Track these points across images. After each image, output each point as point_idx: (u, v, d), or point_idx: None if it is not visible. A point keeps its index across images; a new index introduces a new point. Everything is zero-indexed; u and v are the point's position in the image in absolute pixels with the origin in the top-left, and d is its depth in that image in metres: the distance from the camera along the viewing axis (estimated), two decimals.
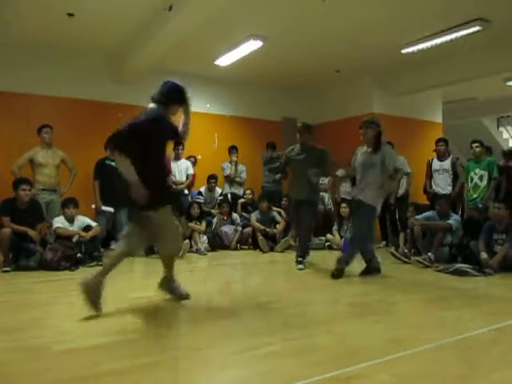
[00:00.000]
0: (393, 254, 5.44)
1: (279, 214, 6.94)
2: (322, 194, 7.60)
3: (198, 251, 6.14)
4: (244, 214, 7.05)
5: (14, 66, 6.47)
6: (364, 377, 1.96)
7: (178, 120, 3.48)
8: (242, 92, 8.54)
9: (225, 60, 7.02)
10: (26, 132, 6.06)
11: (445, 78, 7.40)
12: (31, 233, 4.90)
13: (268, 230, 6.60)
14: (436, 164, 6.37)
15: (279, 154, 7.35)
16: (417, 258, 5.18)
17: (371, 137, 4.38)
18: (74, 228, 5.23)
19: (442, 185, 6.25)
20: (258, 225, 6.61)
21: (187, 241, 5.97)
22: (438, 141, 6.47)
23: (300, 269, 4.86)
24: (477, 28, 5.64)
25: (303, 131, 5.07)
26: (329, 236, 6.89)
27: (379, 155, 4.34)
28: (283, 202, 7.20)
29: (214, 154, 8.09)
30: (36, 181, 5.48)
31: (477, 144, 5.96)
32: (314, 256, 6.02)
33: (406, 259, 5.32)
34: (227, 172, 7.27)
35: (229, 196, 7.22)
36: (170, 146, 6.90)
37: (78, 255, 4.96)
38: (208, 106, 8.28)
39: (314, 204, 5.24)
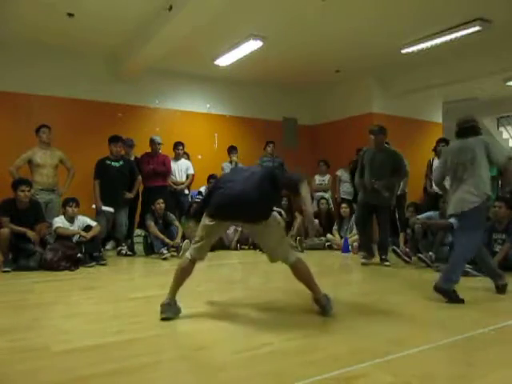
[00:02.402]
0: (394, 251, 5.44)
1: (279, 214, 6.93)
2: (322, 193, 7.64)
3: None
4: None
5: (14, 65, 6.47)
6: (364, 377, 1.95)
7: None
8: (242, 92, 8.54)
9: (225, 60, 7.02)
10: (25, 132, 6.06)
11: (445, 77, 7.39)
12: (30, 234, 4.89)
13: None
14: (436, 164, 6.37)
15: (277, 159, 7.36)
16: (419, 255, 5.18)
17: None
18: (75, 228, 5.23)
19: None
20: None
21: (187, 241, 5.97)
22: (440, 141, 6.47)
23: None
24: (477, 28, 5.63)
25: (378, 133, 5.25)
26: (329, 236, 6.90)
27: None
28: (283, 202, 7.20)
29: (214, 154, 8.09)
30: (34, 181, 5.47)
31: None
32: (314, 256, 6.02)
33: (407, 258, 5.32)
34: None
35: None
36: (169, 146, 6.96)
37: (79, 255, 4.96)
38: (208, 106, 8.28)
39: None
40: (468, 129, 3.61)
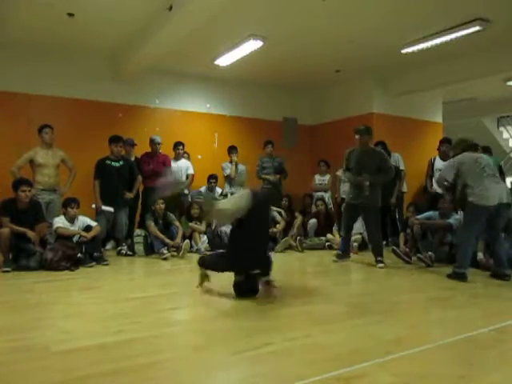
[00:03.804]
0: (394, 251, 5.42)
1: (279, 213, 6.94)
2: (322, 193, 7.63)
3: (198, 251, 6.13)
4: None
5: (14, 65, 6.47)
6: (364, 377, 1.95)
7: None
8: (242, 92, 8.54)
9: (225, 60, 7.02)
10: (26, 132, 6.06)
11: (445, 77, 7.39)
12: (29, 234, 4.89)
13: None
14: (439, 164, 6.35)
15: (277, 160, 7.38)
16: (418, 255, 5.17)
17: None
18: (75, 228, 5.23)
19: None
20: None
21: (187, 241, 5.97)
22: (443, 142, 6.46)
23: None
24: (477, 28, 5.63)
25: (364, 133, 5.22)
26: (329, 236, 6.89)
27: None
28: (283, 202, 7.20)
29: (214, 154, 8.09)
30: (36, 181, 5.46)
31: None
32: (314, 256, 6.02)
33: (407, 258, 5.31)
34: (227, 172, 7.27)
35: (229, 196, 7.22)
36: (169, 146, 6.96)
37: (79, 255, 4.96)
38: (208, 106, 8.28)
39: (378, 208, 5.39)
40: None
